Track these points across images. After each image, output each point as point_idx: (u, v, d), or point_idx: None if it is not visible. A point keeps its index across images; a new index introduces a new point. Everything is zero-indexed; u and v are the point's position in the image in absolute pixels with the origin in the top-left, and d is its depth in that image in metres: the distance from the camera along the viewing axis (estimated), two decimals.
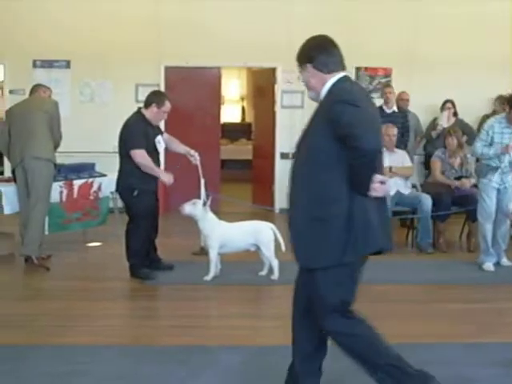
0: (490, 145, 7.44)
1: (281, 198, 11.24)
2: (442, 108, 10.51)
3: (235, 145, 16.41)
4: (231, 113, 17.61)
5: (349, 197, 3.53)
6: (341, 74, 3.76)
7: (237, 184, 13.40)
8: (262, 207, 11.32)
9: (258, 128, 12.66)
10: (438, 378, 4.50)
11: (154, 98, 7.10)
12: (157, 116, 7.09)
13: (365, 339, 3.90)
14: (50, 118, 7.63)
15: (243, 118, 17.67)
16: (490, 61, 11.13)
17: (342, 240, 3.56)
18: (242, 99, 17.70)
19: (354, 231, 3.54)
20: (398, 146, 9.47)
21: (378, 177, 3.51)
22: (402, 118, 10.04)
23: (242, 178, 13.69)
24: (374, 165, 3.49)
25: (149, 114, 7.05)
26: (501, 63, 11.14)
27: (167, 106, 7.09)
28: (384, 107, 10.06)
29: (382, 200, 3.67)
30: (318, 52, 3.82)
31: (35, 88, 7.99)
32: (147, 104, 7.09)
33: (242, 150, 14.77)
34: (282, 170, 11.05)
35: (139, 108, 7.17)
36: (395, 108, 10.11)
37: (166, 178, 7.03)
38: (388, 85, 10.65)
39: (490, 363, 4.85)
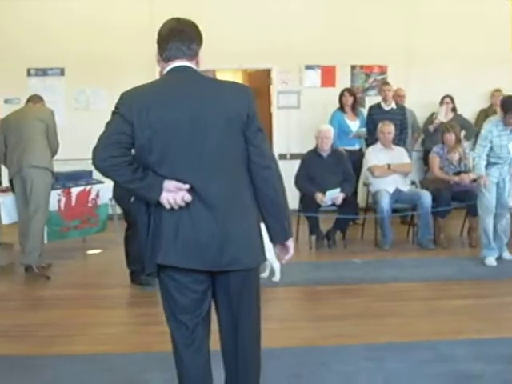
0: (491, 148, 7.47)
1: None
2: (441, 103, 10.48)
3: None
4: None
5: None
6: (175, 64, 3.36)
7: None
8: None
9: None
10: (442, 376, 4.53)
11: None
12: None
13: None
14: (47, 127, 7.60)
15: None
16: (487, 55, 11.07)
17: None
18: None
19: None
20: (397, 143, 9.46)
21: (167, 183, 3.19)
22: (400, 115, 10.01)
23: None
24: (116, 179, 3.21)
25: None
26: (499, 57, 11.08)
27: None
28: (382, 104, 10.04)
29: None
30: (160, 37, 3.40)
31: (29, 98, 7.98)
32: None
33: None
34: (281, 171, 11.01)
35: None
36: (394, 105, 10.09)
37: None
38: (386, 82, 10.61)
39: (494, 359, 4.81)
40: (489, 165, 7.51)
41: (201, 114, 3.21)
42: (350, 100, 10.32)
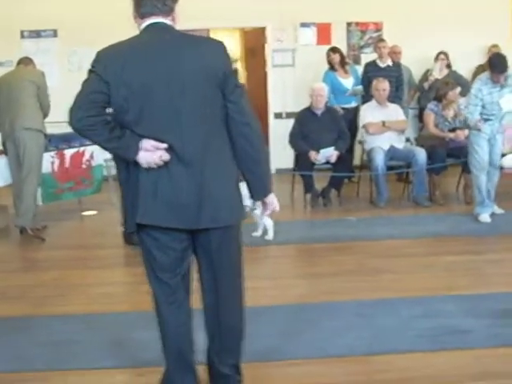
0: (483, 107, 7.45)
1: (276, 158, 11.17)
2: (436, 59, 10.43)
3: None
4: None
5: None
6: (151, 20, 3.30)
7: None
8: None
9: (250, 89, 12.49)
10: (430, 330, 4.57)
11: None
12: None
13: None
14: (38, 89, 7.56)
15: None
16: (484, 10, 11.00)
17: None
18: (236, 61, 17.55)
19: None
20: (393, 101, 9.42)
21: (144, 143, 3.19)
22: (396, 72, 9.97)
23: None
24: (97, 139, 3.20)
25: None
26: (496, 13, 11.01)
27: None
28: (378, 62, 10.01)
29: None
30: None
31: (20, 60, 7.95)
32: None
33: None
34: (276, 130, 11.00)
35: None
36: (389, 62, 10.03)
37: None
38: (381, 39, 10.55)
39: (484, 314, 4.84)
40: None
41: (177, 71, 3.19)
42: (335, 58, 10.23)
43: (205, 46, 3.35)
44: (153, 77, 3.18)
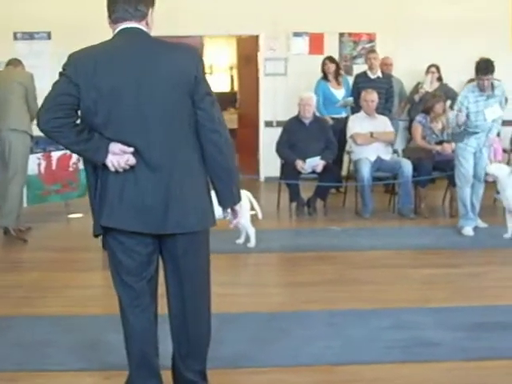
0: (467, 116, 7.46)
1: (265, 166, 11.23)
2: (427, 72, 10.45)
3: (224, 114, 16.21)
4: (220, 82, 17.49)
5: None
6: (123, 25, 3.33)
7: None
8: (247, 176, 11.31)
9: (242, 96, 12.61)
10: (398, 342, 4.59)
11: None
12: None
13: None
14: (26, 90, 7.58)
15: (232, 88, 17.56)
16: (475, 24, 11.00)
17: None
18: (231, 68, 17.58)
19: None
20: (382, 112, 9.46)
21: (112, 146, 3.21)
22: (386, 84, 9.99)
23: None
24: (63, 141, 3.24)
25: None
26: (487, 26, 11.02)
27: None
28: (368, 73, 10.03)
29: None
30: None
31: (9, 62, 7.97)
32: None
33: (229, 120, 14.62)
34: (267, 138, 11.02)
35: None
36: (379, 73, 10.06)
37: None
38: (372, 50, 10.60)
39: (457, 327, 4.86)
40: (467, 135, 7.51)
41: (146, 76, 3.22)
42: (331, 68, 10.28)
43: (176, 52, 3.37)
44: (122, 81, 3.21)
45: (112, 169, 3.21)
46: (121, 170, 3.22)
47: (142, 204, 3.26)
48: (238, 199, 3.49)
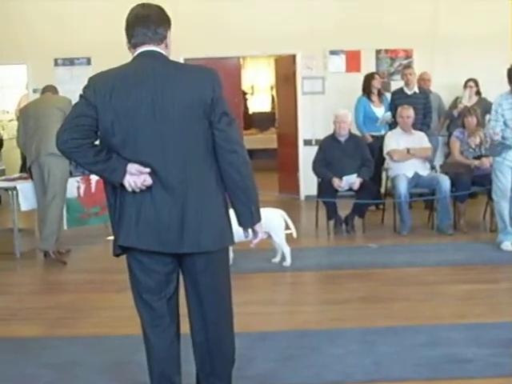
0: (504, 123, 7.35)
1: (305, 185, 11.22)
2: (465, 86, 10.37)
3: (264, 134, 16.31)
4: (261, 102, 17.60)
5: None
6: (142, 49, 3.39)
7: (266, 173, 13.31)
8: (287, 195, 11.34)
9: (281, 116, 12.63)
10: (430, 359, 4.53)
11: None
12: None
13: None
14: (64, 115, 7.69)
15: (273, 107, 17.64)
16: None
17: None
18: (272, 88, 17.67)
19: None
20: (420, 128, 9.41)
21: (129, 166, 3.25)
22: (423, 99, 9.94)
23: (271, 167, 13.59)
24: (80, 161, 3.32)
25: None
26: None
27: None
28: (405, 89, 10.01)
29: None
30: (127, 24, 3.46)
31: (45, 88, 8.13)
32: None
33: (271, 139, 14.68)
34: (306, 157, 11.02)
35: None
36: (416, 89, 10.03)
37: None
38: (408, 66, 10.58)
39: (488, 343, 4.77)
40: (504, 148, 7.41)
41: (162, 97, 3.24)
42: (378, 84, 10.21)
43: (192, 73, 3.40)
44: (138, 102, 3.24)
45: (129, 189, 3.25)
46: (137, 190, 3.26)
47: (158, 223, 3.29)
48: (258, 219, 3.46)
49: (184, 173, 3.28)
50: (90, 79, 3.38)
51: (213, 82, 3.34)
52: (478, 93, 10.38)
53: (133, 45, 3.42)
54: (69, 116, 3.30)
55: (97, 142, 3.33)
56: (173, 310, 3.52)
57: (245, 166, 3.37)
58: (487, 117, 9.30)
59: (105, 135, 3.29)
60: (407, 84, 9.97)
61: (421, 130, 9.38)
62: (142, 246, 3.32)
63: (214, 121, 3.30)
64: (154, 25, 3.37)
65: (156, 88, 3.26)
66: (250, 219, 3.45)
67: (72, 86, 10.37)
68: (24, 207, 7.86)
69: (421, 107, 9.64)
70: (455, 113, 10.29)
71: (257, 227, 3.48)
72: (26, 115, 7.84)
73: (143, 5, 3.45)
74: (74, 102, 7.62)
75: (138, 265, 3.41)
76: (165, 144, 3.27)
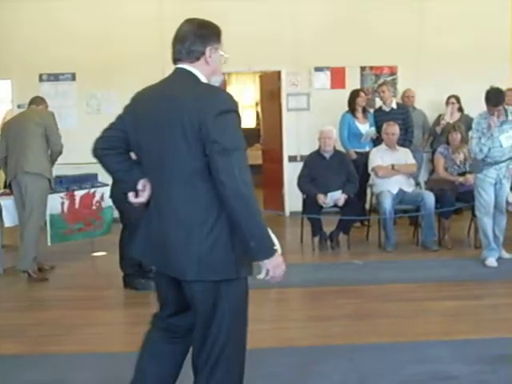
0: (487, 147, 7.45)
1: (290, 201, 11.22)
2: (447, 103, 10.44)
3: (249, 150, 16.25)
4: (246, 118, 17.60)
5: None
6: (177, 66, 3.39)
7: None
8: (272, 212, 11.33)
9: (266, 132, 12.61)
10: (416, 376, 4.52)
11: None
12: None
13: None
14: (45, 129, 7.60)
15: (258, 123, 17.65)
16: (497, 55, 11.03)
17: None
18: (257, 104, 17.69)
19: None
20: (402, 144, 9.44)
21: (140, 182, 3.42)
22: (402, 115, 9.99)
23: (256, 183, 13.48)
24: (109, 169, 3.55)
25: None
26: (507, 54, 11.02)
27: None
28: (383, 106, 10.08)
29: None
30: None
31: (32, 100, 8.07)
32: None
33: (256, 156, 14.67)
34: (291, 173, 11.02)
35: None
36: (394, 105, 10.08)
37: None
38: (382, 83, 10.64)
39: (473, 360, 4.79)
40: (486, 165, 7.47)
41: (161, 117, 3.22)
42: (363, 101, 10.21)
43: (195, 97, 3.19)
44: (144, 121, 3.31)
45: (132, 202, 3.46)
46: (136, 205, 3.43)
47: (152, 241, 3.36)
48: (262, 255, 3.19)
49: (173, 198, 3.23)
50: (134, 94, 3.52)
51: (207, 108, 3.12)
52: (461, 109, 10.45)
53: (172, 62, 3.41)
54: (106, 127, 3.48)
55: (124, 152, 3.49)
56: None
57: (234, 198, 3.10)
58: (470, 133, 9.36)
59: (132, 148, 3.47)
60: (383, 101, 10.04)
61: (403, 145, 9.41)
62: (140, 258, 3.69)
63: (207, 148, 3.13)
64: (189, 42, 3.31)
65: (159, 108, 3.23)
66: (250, 254, 3.22)
67: (57, 102, 10.39)
68: (7, 223, 7.80)
69: (400, 122, 9.67)
70: (438, 130, 10.34)
71: (266, 264, 3.22)
72: (8, 130, 7.80)
73: (187, 20, 3.41)
74: (57, 117, 7.77)
75: (156, 279, 3.63)
76: (157, 164, 3.27)
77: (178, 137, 3.17)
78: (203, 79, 3.32)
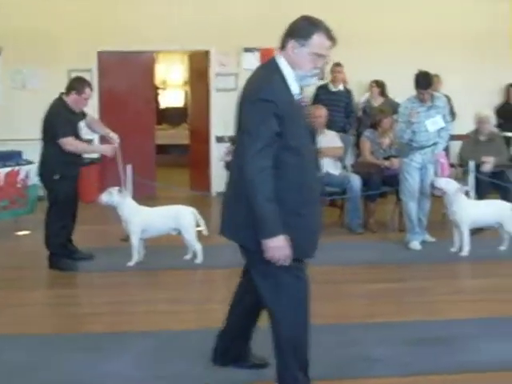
0: (413, 132, 7.59)
1: (217, 181, 11.19)
2: (370, 87, 10.62)
3: (176, 130, 16.22)
4: (174, 97, 17.49)
5: None
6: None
7: (177, 169, 13.31)
8: (199, 192, 11.30)
9: (193, 112, 12.56)
10: (340, 359, 4.59)
11: (75, 85, 7.01)
12: (77, 103, 6.99)
13: None
14: None
15: (186, 103, 17.55)
16: (425, 36, 11.18)
17: None
18: (185, 83, 17.57)
19: None
20: (343, 127, 9.56)
21: None
22: (346, 98, 10.12)
23: (182, 162, 13.51)
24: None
25: (70, 100, 6.96)
26: (438, 39, 11.19)
27: (87, 92, 6.99)
28: (330, 85, 10.20)
29: None
30: None
31: None
32: (68, 90, 6.99)
33: (182, 135, 14.60)
34: (218, 154, 10.99)
35: (61, 93, 7.06)
36: (341, 87, 10.18)
37: (108, 149, 7.14)
38: (338, 64, 10.61)
39: (395, 343, 4.88)
40: (411, 150, 7.60)
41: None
42: None
43: (253, 77, 3.77)
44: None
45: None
46: None
47: None
48: (260, 235, 3.63)
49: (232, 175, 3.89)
50: None
51: (247, 94, 3.68)
52: (383, 93, 10.59)
53: None
54: None
55: None
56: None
57: (238, 182, 3.65)
58: (395, 117, 9.49)
59: None
60: (334, 81, 10.15)
61: (343, 128, 9.50)
62: None
63: None
64: (284, 35, 3.82)
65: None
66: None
67: None
68: None
69: (343, 105, 9.78)
70: (359, 112, 10.52)
71: (265, 244, 3.64)
72: None
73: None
74: None
75: None
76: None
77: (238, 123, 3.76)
78: None
